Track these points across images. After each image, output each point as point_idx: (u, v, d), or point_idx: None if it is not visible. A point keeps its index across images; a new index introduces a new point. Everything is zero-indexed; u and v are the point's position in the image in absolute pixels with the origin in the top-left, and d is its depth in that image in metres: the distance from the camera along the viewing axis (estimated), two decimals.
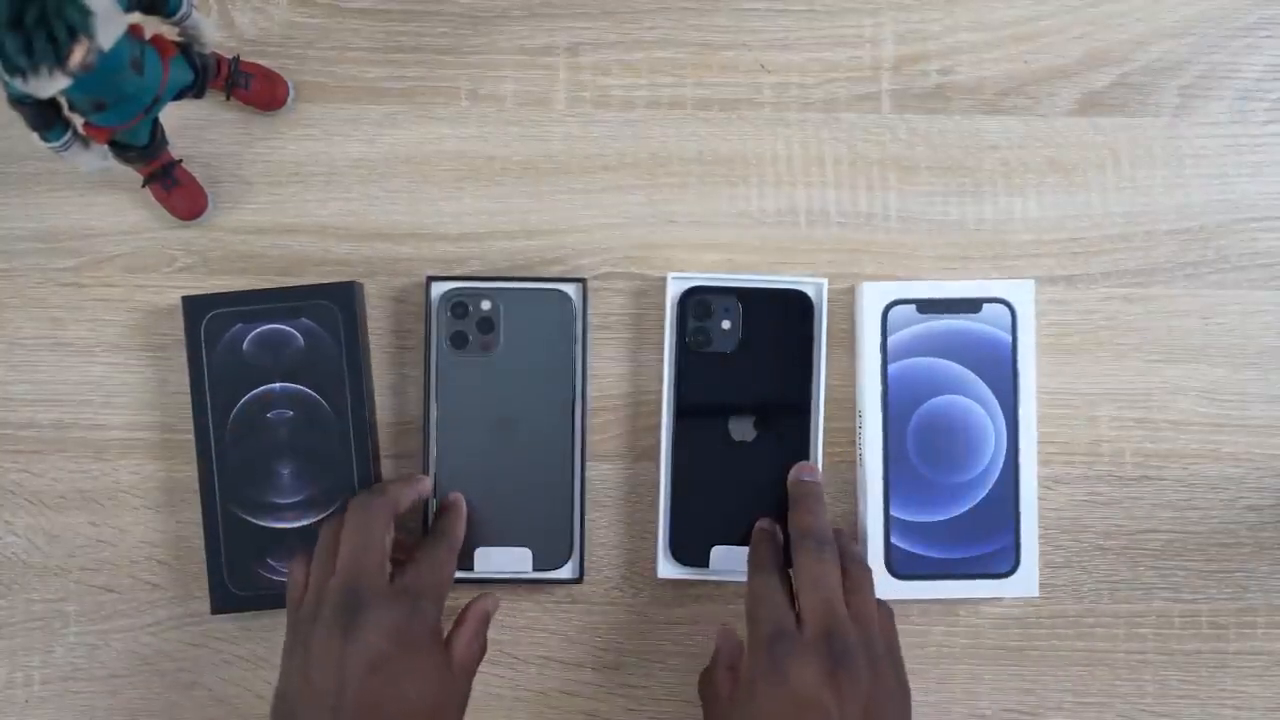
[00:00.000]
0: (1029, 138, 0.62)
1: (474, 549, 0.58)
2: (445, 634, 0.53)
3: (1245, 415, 0.61)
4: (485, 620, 0.55)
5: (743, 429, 0.58)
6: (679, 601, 0.60)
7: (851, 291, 0.61)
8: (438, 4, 0.61)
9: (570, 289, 0.59)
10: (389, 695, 0.48)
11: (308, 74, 0.61)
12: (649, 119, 0.61)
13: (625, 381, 0.61)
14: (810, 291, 0.59)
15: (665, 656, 0.60)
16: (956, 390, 0.60)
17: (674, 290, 0.59)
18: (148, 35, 0.50)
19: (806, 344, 0.59)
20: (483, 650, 0.54)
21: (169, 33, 0.52)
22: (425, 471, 0.59)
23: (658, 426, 0.59)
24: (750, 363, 0.59)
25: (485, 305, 0.59)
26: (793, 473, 0.58)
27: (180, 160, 0.59)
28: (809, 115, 0.61)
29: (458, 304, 0.58)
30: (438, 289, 0.59)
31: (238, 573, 0.58)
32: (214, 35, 0.54)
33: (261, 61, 0.60)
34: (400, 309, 0.61)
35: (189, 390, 0.58)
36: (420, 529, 0.58)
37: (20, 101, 0.48)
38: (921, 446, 0.60)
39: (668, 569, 0.59)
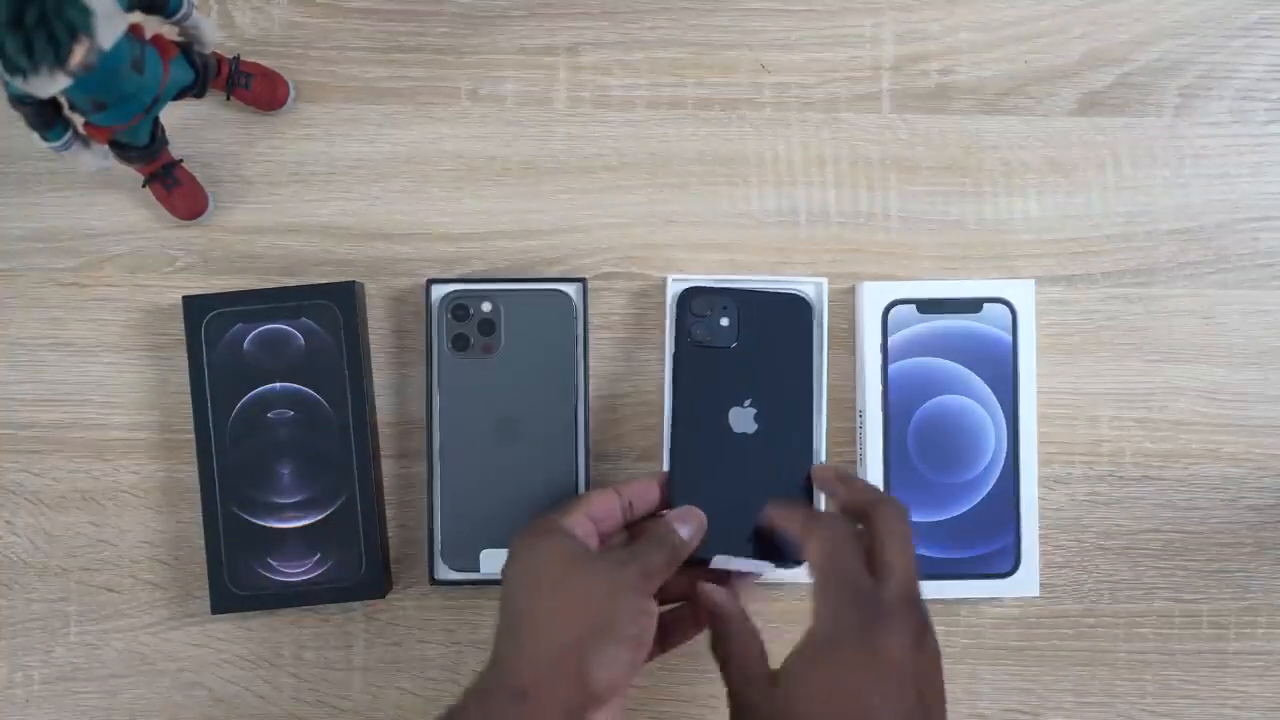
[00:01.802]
0: (1029, 138, 0.62)
1: (479, 551, 0.58)
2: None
3: (1246, 415, 0.61)
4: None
5: (743, 421, 0.58)
6: None
7: (852, 291, 0.61)
8: (438, 4, 0.61)
9: (570, 289, 0.59)
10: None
11: (308, 74, 0.61)
12: (649, 119, 0.61)
13: (625, 381, 0.61)
14: (810, 292, 0.59)
15: (665, 656, 0.60)
16: (957, 390, 0.60)
17: (673, 291, 0.59)
18: (148, 35, 0.50)
19: (806, 343, 0.59)
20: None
21: (169, 32, 0.52)
22: (429, 472, 0.59)
23: (660, 425, 0.59)
24: (750, 357, 0.58)
25: (486, 307, 0.59)
26: (818, 471, 0.57)
27: (181, 160, 0.59)
28: (809, 115, 0.61)
29: (458, 306, 0.58)
30: (438, 291, 0.59)
31: (238, 573, 0.58)
32: (214, 35, 0.54)
33: (262, 61, 0.60)
34: (400, 309, 0.61)
35: (189, 390, 0.58)
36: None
37: (21, 101, 0.48)
38: (922, 446, 0.60)
39: None
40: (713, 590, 0.52)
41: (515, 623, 0.48)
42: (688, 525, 0.53)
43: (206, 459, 0.58)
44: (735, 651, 0.50)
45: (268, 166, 0.61)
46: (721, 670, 0.51)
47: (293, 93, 0.60)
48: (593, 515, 0.52)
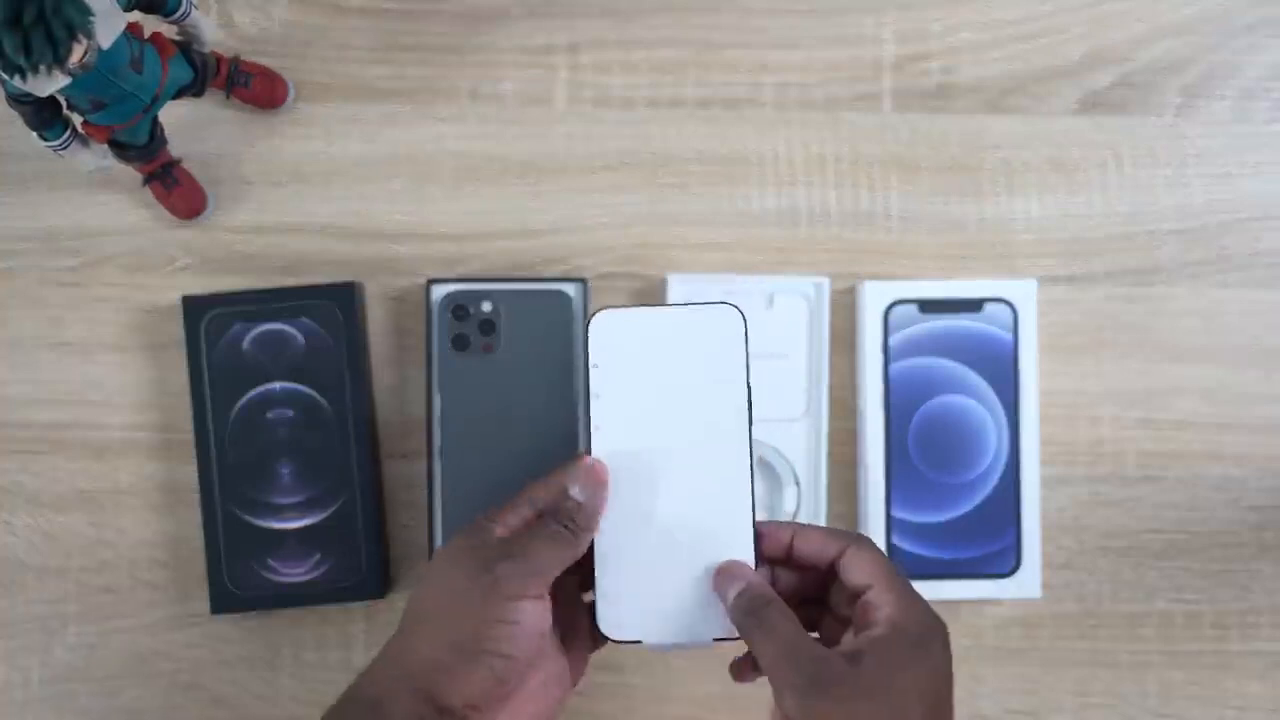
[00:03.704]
0: (1030, 137, 0.61)
1: None
2: None
3: (1248, 415, 0.61)
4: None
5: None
6: None
7: (852, 291, 0.61)
8: (438, 4, 0.61)
9: (571, 289, 0.59)
10: None
11: (308, 74, 0.61)
12: (649, 118, 0.61)
13: None
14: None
15: (665, 656, 0.60)
16: (958, 390, 0.59)
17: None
18: (147, 34, 0.50)
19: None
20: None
21: (168, 31, 0.52)
22: (429, 472, 0.58)
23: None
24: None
25: (486, 307, 0.59)
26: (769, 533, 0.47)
27: (180, 159, 0.58)
28: (810, 115, 0.61)
29: (458, 306, 0.58)
30: (438, 291, 0.59)
31: (238, 573, 0.58)
32: (213, 34, 0.54)
33: (261, 61, 0.60)
34: (400, 309, 0.61)
35: (189, 390, 0.58)
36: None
37: (19, 100, 0.48)
38: (923, 447, 0.59)
39: None
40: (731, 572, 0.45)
41: (398, 627, 0.45)
42: (577, 483, 0.46)
43: (206, 459, 0.58)
44: (785, 639, 0.42)
45: (268, 166, 0.61)
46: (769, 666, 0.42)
47: (292, 92, 0.60)
48: (536, 502, 0.47)
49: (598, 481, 0.46)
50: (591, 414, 0.46)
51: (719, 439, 0.46)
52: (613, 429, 0.46)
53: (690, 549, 0.45)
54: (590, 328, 0.46)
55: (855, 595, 0.44)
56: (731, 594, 0.44)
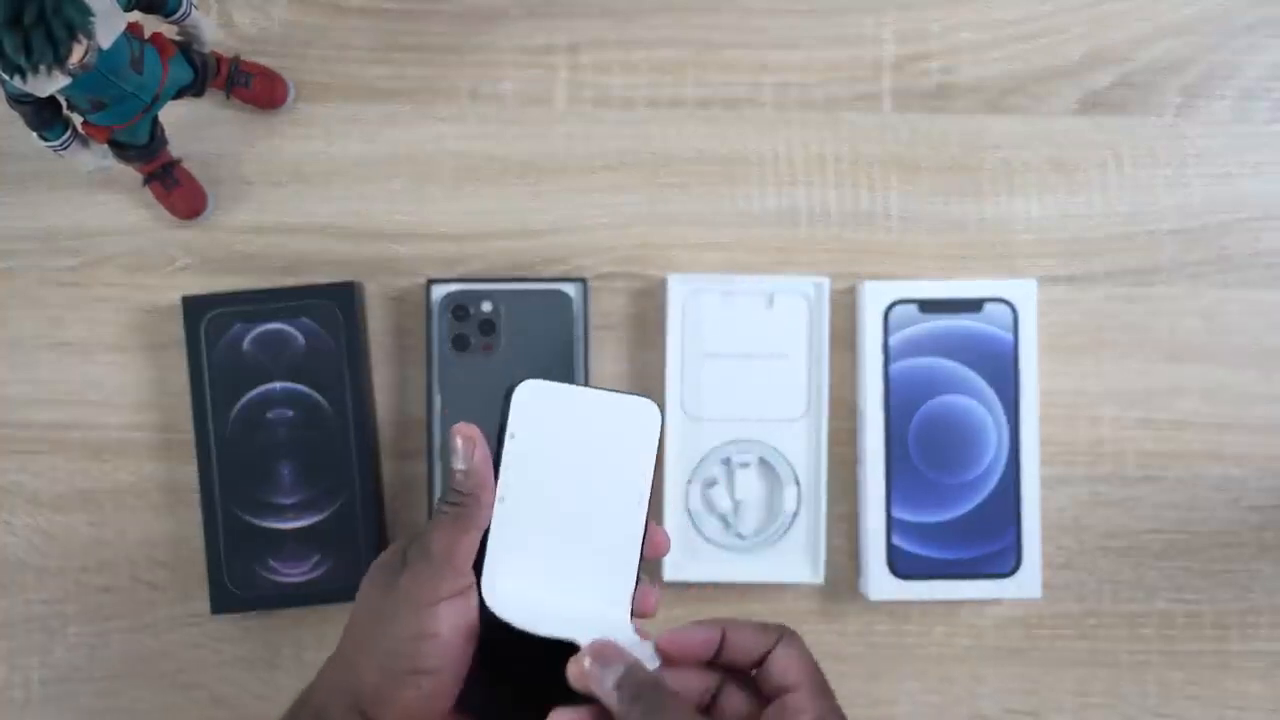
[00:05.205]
0: (1030, 137, 0.61)
1: None
2: None
3: (1248, 415, 0.61)
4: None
5: None
6: (679, 601, 0.60)
7: (852, 291, 0.61)
8: (437, 4, 0.61)
9: (571, 289, 0.59)
10: None
11: (308, 74, 0.61)
12: (649, 118, 0.61)
13: (625, 381, 0.61)
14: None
15: None
16: (958, 390, 0.59)
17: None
18: (147, 34, 0.50)
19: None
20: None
21: (168, 31, 0.52)
22: (429, 472, 0.58)
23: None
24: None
25: (486, 307, 0.59)
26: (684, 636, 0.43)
27: (180, 160, 0.58)
28: (810, 115, 0.61)
29: (459, 306, 0.58)
30: (438, 291, 0.59)
31: (238, 573, 0.58)
32: (213, 34, 0.54)
33: (261, 61, 0.60)
34: (400, 309, 0.61)
35: (189, 390, 0.58)
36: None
37: (19, 100, 0.48)
38: (923, 447, 0.59)
39: (674, 573, 0.59)
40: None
41: (339, 643, 0.44)
42: (457, 453, 0.44)
43: (206, 459, 0.58)
44: None
45: (268, 166, 0.61)
46: None
47: (292, 92, 0.60)
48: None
49: (469, 441, 0.43)
50: (499, 480, 0.43)
51: (613, 523, 0.44)
52: (516, 500, 0.43)
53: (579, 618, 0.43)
54: (514, 396, 0.44)
55: (772, 693, 0.42)
56: (609, 681, 0.40)
